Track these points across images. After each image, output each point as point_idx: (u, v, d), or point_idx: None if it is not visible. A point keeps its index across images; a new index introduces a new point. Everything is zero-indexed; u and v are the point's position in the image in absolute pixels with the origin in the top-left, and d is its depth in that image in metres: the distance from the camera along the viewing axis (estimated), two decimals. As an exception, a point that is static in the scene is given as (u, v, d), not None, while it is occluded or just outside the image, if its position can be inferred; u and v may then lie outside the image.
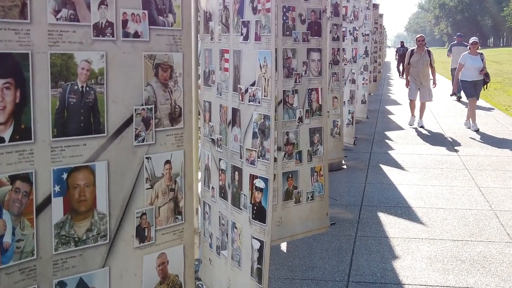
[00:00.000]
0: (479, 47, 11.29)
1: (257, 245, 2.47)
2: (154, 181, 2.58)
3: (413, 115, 11.80)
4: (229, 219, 2.76)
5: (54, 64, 2.24)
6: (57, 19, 2.23)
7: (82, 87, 2.34)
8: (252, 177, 2.51)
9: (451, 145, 9.70)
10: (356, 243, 5.01)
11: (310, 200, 4.06)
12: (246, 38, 2.57)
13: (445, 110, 14.42)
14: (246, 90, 2.56)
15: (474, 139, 10.24)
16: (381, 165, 8.20)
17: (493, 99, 16.62)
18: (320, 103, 4.08)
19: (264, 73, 2.43)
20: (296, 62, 3.93)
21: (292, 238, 4.02)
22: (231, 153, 2.73)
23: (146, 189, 2.56)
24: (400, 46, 26.54)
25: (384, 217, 5.76)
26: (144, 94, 2.52)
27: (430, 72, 11.36)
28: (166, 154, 2.59)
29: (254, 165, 2.50)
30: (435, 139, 10.35)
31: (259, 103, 2.47)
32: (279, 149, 3.85)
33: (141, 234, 2.59)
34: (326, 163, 4.12)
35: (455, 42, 16.38)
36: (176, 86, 2.55)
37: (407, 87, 11.74)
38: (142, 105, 2.52)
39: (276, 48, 3.88)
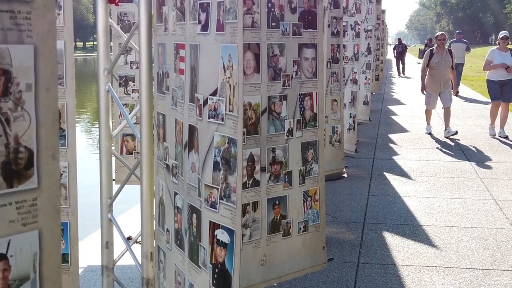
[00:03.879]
0: (509, 43, 10.17)
1: (219, 324, 1.72)
2: None
3: (429, 123, 10.44)
4: (186, 278, 2.01)
5: None
6: None
7: None
8: (213, 226, 1.76)
9: (461, 150, 8.96)
10: (358, 273, 4.28)
11: (303, 231, 3.29)
12: (205, 27, 1.82)
13: (451, 111, 13.66)
14: (206, 102, 1.81)
15: (484, 143, 9.49)
16: (385, 173, 7.46)
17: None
18: (315, 111, 3.32)
19: (229, 77, 1.68)
20: (285, 61, 3.16)
21: (280, 280, 3.26)
22: (187, 187, 1.98)
23: None
24: (398, 43, 25.68)
25: (390, 238, 5.02)
26: None
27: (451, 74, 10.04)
28: None
29: (216, 208, 1.75)
30: (442, 143, 9.61)
31: (222, 121, 1.72)
32: (263, 169, 3.09)
33: None
34: (323, 184, 3.36)
35: (455, 39, 16.94)
36: (20, 110, 1.18)
37: (423, 93, 10.31)
38: None
39: (259, 43, 3.12)
